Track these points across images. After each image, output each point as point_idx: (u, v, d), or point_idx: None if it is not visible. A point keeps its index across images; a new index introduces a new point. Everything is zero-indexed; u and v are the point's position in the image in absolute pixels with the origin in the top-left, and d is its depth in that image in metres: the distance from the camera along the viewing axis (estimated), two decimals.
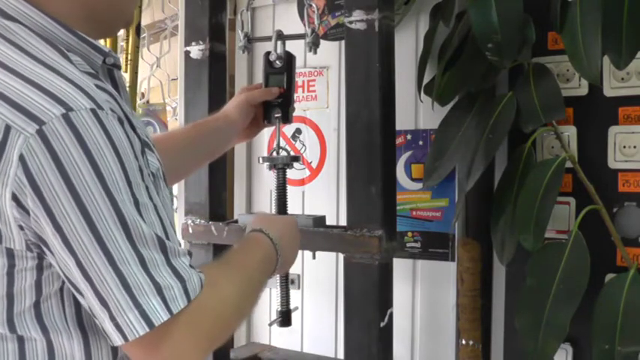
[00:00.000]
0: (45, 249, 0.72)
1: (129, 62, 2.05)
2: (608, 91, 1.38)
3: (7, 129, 0.68)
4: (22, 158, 0.67)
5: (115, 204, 0.69)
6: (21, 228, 0.71)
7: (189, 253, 0.79)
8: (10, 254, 0.73)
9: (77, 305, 0.77)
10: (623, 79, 1.36)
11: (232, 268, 0.88)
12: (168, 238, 0.74)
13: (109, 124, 0.70)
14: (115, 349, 0.80)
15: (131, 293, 0.70)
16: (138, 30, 2.06)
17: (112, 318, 0.70)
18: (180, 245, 0.77)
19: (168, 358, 0.73)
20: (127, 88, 2.02)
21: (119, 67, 0.87)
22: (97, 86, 0.74)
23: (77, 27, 0.80)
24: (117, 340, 0.71)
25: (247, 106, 1.34)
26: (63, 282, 0.75)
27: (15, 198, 0.69)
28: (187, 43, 1.55)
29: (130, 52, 2.05)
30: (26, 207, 0.69)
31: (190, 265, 0.76)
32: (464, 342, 1.54)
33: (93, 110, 0.69)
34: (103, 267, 0.69)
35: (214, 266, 0.88)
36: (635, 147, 1.36)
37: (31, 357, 0.77)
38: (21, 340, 0.77)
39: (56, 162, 0.67)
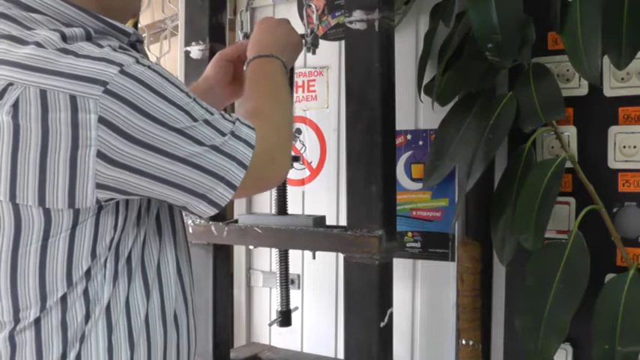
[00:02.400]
0: (141, 181, 0.80)
1: None
2: (608, 91, 1.38)
3: (73, 99, 0.74)
4: (101, 119, 0.74)
5: (188, 112, 0.80)
6: (97, 185, 0.77)
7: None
8: (77, 214, 0.79)
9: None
10: (623, 79, 1.36)
11: (259, 94, 1.01)
12: (225, 118, 0.86)
13: (153, 66, 0.80)
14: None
15: (224, 152, 0.83)
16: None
17: (222, 179, 0.83)
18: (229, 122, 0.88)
19: (266, 172, 0.90)
20: None
21: (142, 42, 0.95)
22: (120, 47, 0.82)
23: (98, 7, 0.86)
24: (212, 212, 0.85)
25: (222, 61, 1.32)
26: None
27: (101, 154, 0.75)
28: (187, 43, 1.55)
29: None
30: (116, 159, 0.76)
31: (237, 119, 0.87)
32: (464, 342, 1.54)
33: (137, 61, 0.78)
34: (201, 151, 0.81)
35: (246, 102, 1.00)
36: (635, 147, 1.36)
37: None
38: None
39: (132, 106, 0.75)
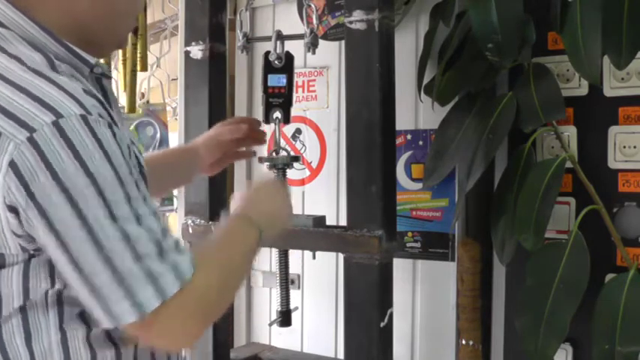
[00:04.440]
0: (36, 247, 0.74)
1: (125, 61, 2.04)
2: (608, 91, 1.38)
3: None
4: (12, 164, 0.69)
5: (109, 207, 0.71)
6: (14, 233, 0.73)
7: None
8: (2, 258, 0.75)
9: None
10: (623, 79, 1.36)
11: (218, 252, 0.90)
12: (160, 229, 0.76)
13: (99, 129, 0.72)
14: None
15: (126, 284, 0.72)
16: (135, 29, 2.05)
17: (107, 308, 0.72)
18: (170, 234, 0.79)
19: (158, 335, 0.77)
20: (127, 87, 2.03)
21: (108, 77, 0.89)
22: (85, 90, 0.76)
23: (67, 39, 0.81)
24: (109, 324, 0.74)
25: (216, 142, 1.35)
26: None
27: (5, 202, 0.71)
28: (187, 43, 1.55)
29: (126, 51, 2.04)
30: (18, 209, 0.71)
31: (180, 249, 0.78)
32: (464, 342, 1.54)
33: (82, 116, 0.71)
34: (99, 261, 0.71)
35: (202, 249, 0.89)
36: (635, 147, 1.36)
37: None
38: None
39: (47, 166, 0.69)
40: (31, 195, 0.70)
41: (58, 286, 0.78)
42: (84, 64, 0.83)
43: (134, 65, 2.03)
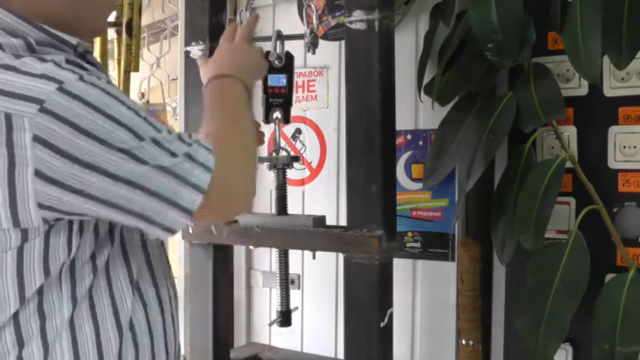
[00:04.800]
0: (83, 202, 0.77)
1: (119, 61, 2.04)
2: (608, 91, 1.38)
3: (8, 117, 0.72)
4: (36, 137, 0.72)
5: (133, 131, 0.77)
6: (40, 205, 0.75)
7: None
8: (25, 234, 0.78)
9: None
10: (623, 79, 1.36)
11: (219, 118, 0.96)
12: (182, 139, 0.82)
13: (96, 81, 0.77)
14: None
15: (178, 175, 0.79)
16: (129, 29, 2.05)
17: (174, 204, 0.79)
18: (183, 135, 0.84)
19: (227, 199, 0.86)
20: (120, 88, 2.03)
21: (91, 52, 0.92)
22: (67, 60, 0.79)
23: (45, 22, 0.83)
24: (183, 220, 0.81)
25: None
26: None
27: (39, 173, 0.73)
28: (187, 43, 1.55)
29: (120, 52, 2.05)
30: (54, 177, 0.74)
31: (196, 141, 0.83)
32: (464, 342, 1.54)
33: (80, 77, 0.75)
34: (150, 172, 0.77)
35: (206, 126, 0.93)
36: (635, 147, 1.36)
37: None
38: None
39: (70, 124, 0.73)
40: (68, 155, 0.73)
41: (73, 252, 0.81)
42: (65, 45, 0.85)
43: (127, 66, 2.04)
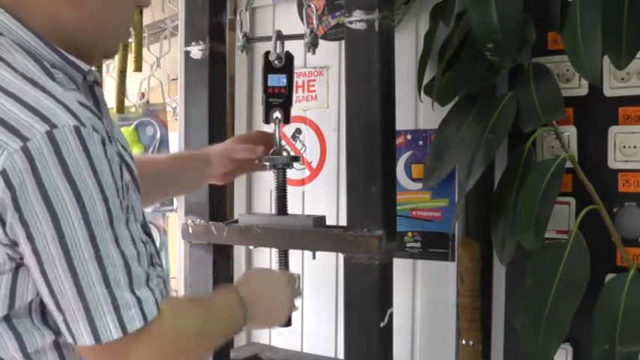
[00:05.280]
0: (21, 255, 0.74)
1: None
2: (608, 91, 1.38)
3: None
4: (4, 173, 0.69)
5: (89, 225, 0.72)
6: (1, 242, 0.73)
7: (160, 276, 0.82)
8: None
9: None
10: (623, 79, 1.36)
11: (198, 306, 0.91)
12: (137, 258, 0.77)
13: (91, 143, 0.73)
14: None
15: (87, 308, 0.73)
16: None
17: (67, 326, 0.74)
18: (144, 265, 0.79)
19: None
20: (116, 88, 2.04)
21: (99, 84, 0.89)
22: (80, 103, 0.76)
23: (60, 45, 0.81)
24: (69, 340, 0.75)
25: (229, 159, 1.36)
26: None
27: None
28: (187, 43, 1.55)
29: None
30: (5, 220, 0.71)
31: (151, 285, 0.78)
32: (464, 342, 1.54)
33: (76, 127, 0.72)
34: (66, 280, 0.72)
35: (182, 299, 0.91)
36: (635, 147, 1.36)
37: None
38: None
39: (36, 177, 0.70)
40: (16, 204, 0.70)
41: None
42: (77, 72, 0.83)
43: (123, 66, 2.04)
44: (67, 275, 0.72)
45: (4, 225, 0.72)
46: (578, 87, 1.41)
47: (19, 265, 0.76)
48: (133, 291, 0.75)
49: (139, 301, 0.75)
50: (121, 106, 2.06)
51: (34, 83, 0.75)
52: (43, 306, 0.78)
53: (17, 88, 0.74)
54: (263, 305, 1.05)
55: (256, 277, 1.13)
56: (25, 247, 0.73)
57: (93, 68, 0.88)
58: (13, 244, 0.74)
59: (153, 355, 0.78)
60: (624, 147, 1.37)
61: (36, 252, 0.72)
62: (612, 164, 1.38)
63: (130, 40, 1.99)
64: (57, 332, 0.80)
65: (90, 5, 0.83)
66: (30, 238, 0.72)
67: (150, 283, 0.78)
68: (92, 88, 0.87)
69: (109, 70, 2.15)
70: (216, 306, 0.97)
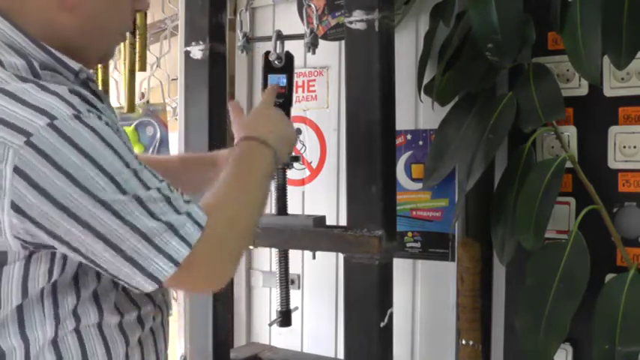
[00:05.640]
0: (53, 242, 0.75)
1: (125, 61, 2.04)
2: (608, 91, 1.38)
3: None
4: (17, 169, 0.71)
5: (114, 181, 0.74)
6: (15, 237, 0.74)
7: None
8: (4, 256, 0.77)
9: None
10: (623, 79, 1.36)
11: (234, 186, 0.92)
12: (167, 187, 0.80)
13: (92, 122, 0.75)
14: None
15: (153, 242, 0.75)
16: (133, 28, 2.05)
17: (143, 269, 0.76)
18: (175, 189, 0.82)
19: (201, 278, 0.82)
20: (125, 87, 2.03)
21: (93, 80, 0.89)
22: (70, 90, 0.77)
23: (56, 49, 0.82)
24: (150, 287, 0.77)
25: None
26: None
27: (14, 206, 0.72)
28: (187, 43, 1.55)
29: (125, 51, 2.05)
30: (27, 212, 0.72)
31: (187, 199, 0.81)
32: (464, 342, 1.54)
33: (75, 115, 0.73)
34: (122, 230, 0.74)
35: (217, 190, 0.90)
36: (635, 147, 1.36)
37: None
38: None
39: (52, 162, 0.71)
40: (44, 192, 0.71)
41: (54, 278, 0.80)
42: (68, 71, 0.84)
43: (132, 65, 2.04)
44: (122, 226, 0.74)
45: (28, 218, 0.73)
46: (578, 87, 1.42)
47: (31, 253, 0.78)
48: (178, 211, 0.78)
49: (188, 215, 0.78)
50: (131, 105, 2.05)
51: (25, 79, 0.76)
52: (55, 292, 0.80)
53: (10, 86, 0.75)
54: (280, 135, 1.05)
55: (258, 117, 1.09)
56: (67, 226, 0.73)
57: (90, 70, 0.88)
58: (31, 237, 0.75)
59: (210, 259, 0.81)
60: (624, 147, 1.37)
61: (82, 224, 0.73)
62: (612, 164, 1.38)
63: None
64: (58, 325, 0.81)
65: (83, 9, 0.83)
66: (71, 215, 0.72)
67: (185, 198, 0.81)
68: (86, 85, 0.87)
69: (111, 71, 2.15)
70: (250, 171, 0.95)
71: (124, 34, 0.95)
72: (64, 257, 0.80)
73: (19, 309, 0.80)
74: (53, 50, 0.82)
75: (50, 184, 0.71)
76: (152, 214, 0.76)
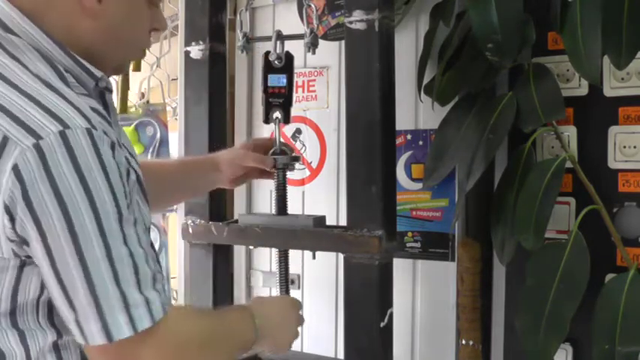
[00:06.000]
0: (28, 253, 0.75)
1: None
2: (608, 91, 1.38)
3: (5, 140, 0.72)
4: (15, 168, 0.71)
5: (99, 222, 0.73)
6: (8, 238, 0.74)
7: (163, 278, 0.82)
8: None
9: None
10: (623, 79, 1.36)
11: (206, 316, 0.93)
12: (144, 257, 0.77)
13: (102, 146, 0.74)
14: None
15: (99, 306, 0.72)
16: None
17: (79, 325, 0.74)
18: (151, 265, 0.79)
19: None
20: (119, 88, 2.04)
21: (110, 91, 0.90)
22: (92, 108, 0.78)
23: (74, 50, 0.83)
24: (80, 340, 0.75)
25: (239, 166, 1.35)
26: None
27: (5, 205, 0.72)
28: (187, 43, 1.55)
29: None
30: (14, 215, 0.72)
31: (156, 286, 0.78)
32: (464, 342, 1.54)
33: (88, 130, 0.73)
34: (79, 277, 0.72)
35: (191, 307, 0.91)
36: (635, 147, 1.36)
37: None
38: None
39: (49, 176, 0.71)
40: (27, 201, 0.71)
41: (46, 294, 0.79)
42: (90, 77, 0.85)
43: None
44: (80, 272, 0.72)
45: (13, 221, 0.73)
46: (578, 87, 1.42)
47: (23, 263, 0.77)
48: (141, 291, 0.75)
49: (147, 301, 0.75)
50: (124, 106, 2.07)
51: (48, 85, 0.77)
52: (50, 306, 0.79)
53: (32, 89, 0.75)
54: (273, 330, 1.05)
55: (269, 302, 1.14)
56: (36, 245, 0.73)
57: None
58: (22, 242, 0.74)
59: (157, 358, 0.78)
60: (624, 147, 1.37)
61: (48, 249, 0.72)
62: (612, 164, 1.38)
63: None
64: (59, 334, 0.80)
65: (104, 17, 0.85)
66: (42, 234, 0.72)
67: (156, 285, 0.78)
68: (103, 95, 0.88)
69: None
70: (228, 320, 0.97)
71: (142, 50, 0.97)
72: None
73: (13, 315, 0.79)
74: (77, 56, 0.83)
75: (37, 196, 0.71)
76: (116, 278, 0.73)
